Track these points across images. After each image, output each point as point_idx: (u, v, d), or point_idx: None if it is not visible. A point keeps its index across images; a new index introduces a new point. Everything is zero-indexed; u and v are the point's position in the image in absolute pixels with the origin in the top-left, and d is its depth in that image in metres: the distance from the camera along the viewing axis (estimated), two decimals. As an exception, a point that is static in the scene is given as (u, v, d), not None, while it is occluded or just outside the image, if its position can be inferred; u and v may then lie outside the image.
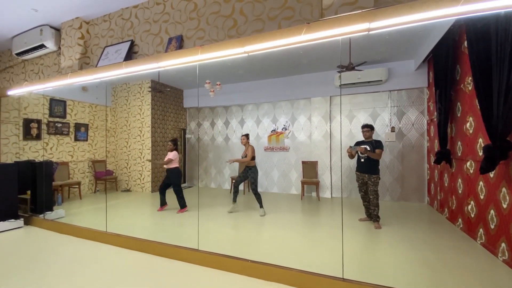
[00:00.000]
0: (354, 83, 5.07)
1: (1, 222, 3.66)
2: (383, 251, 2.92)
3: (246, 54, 2.46)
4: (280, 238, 3.29)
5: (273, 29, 2.51)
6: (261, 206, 4.32)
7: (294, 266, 2.26)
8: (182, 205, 4.47)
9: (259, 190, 6.36)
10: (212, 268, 2.53)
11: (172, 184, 4.52)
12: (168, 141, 4.75)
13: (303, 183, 5.50)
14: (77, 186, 5.53)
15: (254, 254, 2.53)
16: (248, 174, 4.44)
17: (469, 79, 3.14)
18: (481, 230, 2.92)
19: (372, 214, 3.66)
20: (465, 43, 3.10)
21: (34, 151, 5.27)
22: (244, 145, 4.51)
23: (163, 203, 4.58)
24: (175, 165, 4.55)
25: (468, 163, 3.21)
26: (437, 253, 2.80)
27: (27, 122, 5.17)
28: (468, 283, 2.21)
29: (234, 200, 4.50)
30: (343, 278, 2.05)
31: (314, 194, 5.64)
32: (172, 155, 4.54)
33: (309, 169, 5.71)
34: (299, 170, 5.99)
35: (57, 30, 4.19)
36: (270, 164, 6.39)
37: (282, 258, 2.48)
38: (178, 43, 3.02)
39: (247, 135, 4.58)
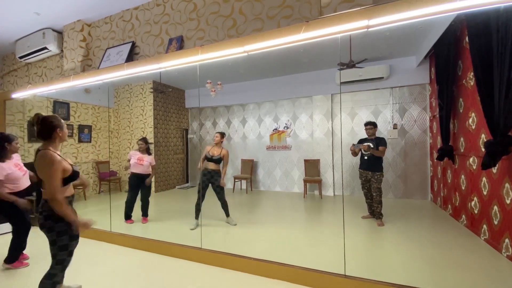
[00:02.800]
0: (355, 81, 5.06)
1: (7, 223, 3.71)
2: (386, 248, 2.92)
3: (246, 54, 2.47)
4: (283, 236, 3.30)
5: (273, 28, 2.53)
6: (228, 215, 3.80)
7: (297, 263, 2.27)
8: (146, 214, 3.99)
9: (262, 188, 6.41)
10: (215, 266, 2.55)
11: (146, 193, 3.96)
12: (139, 141, 3.91)
13: (305, 181, 5.51)
14: (81, 187, 5.58)
15: (257, 252, 2.54)
16: (215, 181, 3.69)
17: (471, 74, 3.11)
18: (484, 226, 2.91)
19: (375, 212, 3.66)
20: (467, 38, 3.09)
21: (38, 153, 5.33)
22: (216, 144, 3.74)
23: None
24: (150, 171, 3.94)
25: (471, 159, 3.19)
26: (441, 249, 2.79)
27: (31, 125, 5.22)
28: (472, 279, 2.20)
29: (197, 217, 3.64)
30: (345, 275, 2.06)
31: (316, 192, 5.64)
32: (151, 159, 3.92)
33: (311, 167, 5.71)
34: (301, 168, 5.99)
35: (59, 33, 4.24)
36: (272, 163, 6.40)
37: (284, 256, 2.49)
38: (179, 44, 3.04)
39: (223, 134, 3.83)
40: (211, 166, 3.68)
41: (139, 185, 3.88)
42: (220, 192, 3.72)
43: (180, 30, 3.14)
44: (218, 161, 3.69)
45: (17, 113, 5.17)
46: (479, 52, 2.54)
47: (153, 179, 6.20)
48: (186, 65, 2.86)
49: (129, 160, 3.86)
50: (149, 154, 3.96)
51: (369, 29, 1.96)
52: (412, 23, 1.88)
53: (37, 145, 5.26)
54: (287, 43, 2.24)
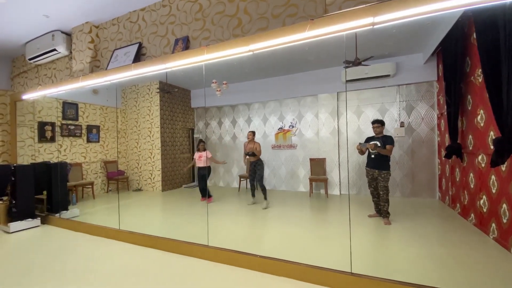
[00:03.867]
0: (361, 79, 5.03)
1: (20, 221, 3.81)
2: (393, 247, 2.91)
3: (251, 53, 2.49)
4: (289, 234, 3.31)
5: (278, 26, 2.53)
6: (266, 198, 4.64)
7: (303, 261, 2.28)
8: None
9: (267, 188, 6.43)
10: (222, 264, 2.58)
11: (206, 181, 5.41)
12: (199, 145, 5.27)
13: (311, 180, 5.50)
14: (90, 186, 5.69)
15: (263, 250, 2.56)
16: (256, 169, 4.70)
17: (479, 71, 3.07)
18: (493, 224, 2.87)
19: (381, 210, 3.64)
20: (474, 34, 3.04)
21: (49, 153, 5.45)
22: (250, 141, 4.79)
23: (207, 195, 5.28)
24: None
25: (480, 157, 3.15)
26: (449, 248, 2.76)
27: (41, 125, 5.35)
28: (480, 278, 2.18)
29: (253, 195, 4.89)
30: (351, 273, 2.06)
31: (322, 191, 5.63)
32: (207, 153, 5.23)
33: (317, 166, 5.70)
34: (307, 167, 5.99)
35: (68, 35, 4.32)
36: (277, 162, 6.41)
37: (291, 254, 2.50)
38: (184, 44, 3.07)
39: (253, 132, 4.88)
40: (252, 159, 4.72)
41: (203, 175, 5.17)
42: (261, 181, 4.70)
43: (186, 30, 3.17)
44: (254, 154, 4.69)
45: (27, 114, 5.30)
46: (487, 48, 2.50)
47: (159, 178, 6.32)
48: (192, 65, 2.89)
49: (193, 159, 5.27)
50: (205, 150, 5.21)
51: (375, 27, 1.96)
52: (419, 19, 1.87)
53: (47, 145, 5.40)
54: (292, 41, 2.24)
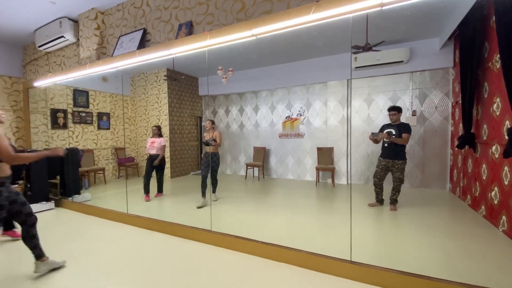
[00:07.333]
0: (372, 65, 4.84)
1: (35, 204, 3.99)
2: (400, 236, 2.86)
3: (255, 37, 2.42)
4: (293, 222, 3.31)
5: (282, 10, 2.44)
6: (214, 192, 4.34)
7: (305, 249, 2.28)
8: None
9: (274, 176, 6.45)
10: (224, 248, 2.63)
11: (160, 170, 4.57)
12: (153, 127, 4.57)
13: (318, 169, 5.46)
14: (101, 172, 5.86)
15: (266, 236, 2.57)
16: (213, 160, 4.22)
17: (497, 56, 2.89)
18: (504, 217, 2.77)
19: (390, 198, 3.61)
20: (494, 17, 2.84)
21: (61, 139, 5.61)
22: (208, 130, 4.22)
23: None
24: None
25: (494, 147, 3.01)
26: (457, 240, 2.70)
27: (54, 112, 5.49)
28: (488, 270, 2.12)
29: (204, 195, 4.11)
30: (351, 261, 2.05)
31: (329, 180, 5.58)
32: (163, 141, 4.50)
33: (325, 155, 5.63)
34: (314, 156, 5.93)
35: (75, 21, 4.33)
36: (284, 150, 6.38)
37: (293, 241, 2.50)
38: (188, 29, 3.02)
39: (212, 121, 4.27)
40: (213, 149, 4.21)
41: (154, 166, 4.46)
42: (215, 174, 4.33)
43: (189, 15, 3.11)
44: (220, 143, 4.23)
45: (40, 101, 5.43)
46: (506, 31, 2.34)
47: (168, 165, 6.41)
48: (197, 52, 2.85)
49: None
50: (160, 136, 4.58)
51: (383, 8, 1.85)
52: (433, 1, 1.75)
53: (60, 132, 5.55)
54: (296, 25, 2.16)
